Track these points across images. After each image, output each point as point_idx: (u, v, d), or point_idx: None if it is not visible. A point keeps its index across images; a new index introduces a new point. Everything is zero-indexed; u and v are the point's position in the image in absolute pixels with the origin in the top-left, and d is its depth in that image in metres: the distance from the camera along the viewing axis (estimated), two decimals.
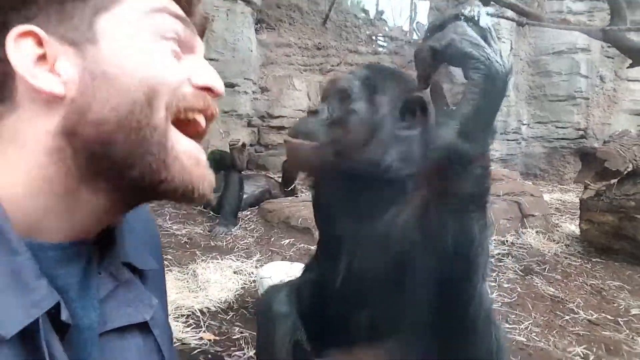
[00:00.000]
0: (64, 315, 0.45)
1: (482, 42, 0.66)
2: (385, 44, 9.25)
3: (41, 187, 0.47)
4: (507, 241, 3.67)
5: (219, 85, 0.55)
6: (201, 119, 0.54)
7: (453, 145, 0.64)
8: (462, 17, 0.66)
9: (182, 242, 3.19)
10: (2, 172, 0.46)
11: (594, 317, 2.45)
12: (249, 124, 7.19)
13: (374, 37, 9.25)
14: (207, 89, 0.54)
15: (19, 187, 0.46)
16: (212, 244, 3.22)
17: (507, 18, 5.04)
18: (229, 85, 6.59)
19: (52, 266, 0.47)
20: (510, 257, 3.33)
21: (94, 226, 0.53)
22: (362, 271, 0.96)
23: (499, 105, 0.67)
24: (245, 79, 6.80)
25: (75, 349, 0.48)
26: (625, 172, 3.40)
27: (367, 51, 8.73)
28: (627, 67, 4.80)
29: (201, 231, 3.51)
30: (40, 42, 0.46)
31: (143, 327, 0.57)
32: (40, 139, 0.46)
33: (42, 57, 0.46)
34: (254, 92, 7.19)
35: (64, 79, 0.46)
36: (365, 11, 9.78)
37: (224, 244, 3.24)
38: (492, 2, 5.37)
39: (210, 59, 6.37)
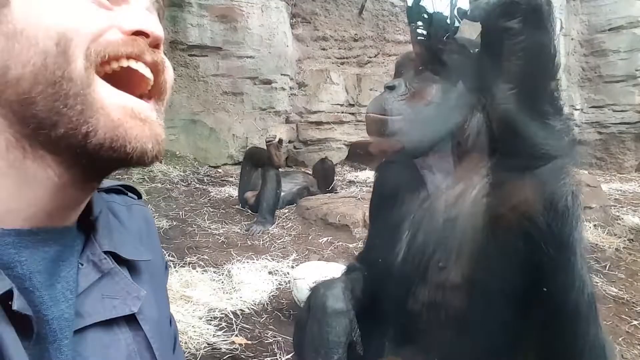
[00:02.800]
0: (17, 305, 0.41)
1: None
2: (424, 32, 8.93)
3: None
4: None
5: (151, 27, 0.50)
6: (143, 70, 0.50)
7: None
8: None
9: (219, 241, 3.18)
10: None
11: None
12: (287, 121, 7.16)
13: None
14: (140, 34, 0.49)
15: None
16: (249, 243, 3.19)
17: None
18: (266, 82, 6.58)
19: (9, 252, 0.44)
20: None
21: (59, 209, 0.50)
22: (429, 253, 0.86)
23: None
24: (282, 74, 6.77)
25: (43, 342, 0.45)
26: None
27: (405, 40, 8.45)
28: None
29: (239, 230, 3.50)
30: None
31: (132, 322, 0.54)
32: None
33: None
34: (291, 88, 7.15)
35: None
36: None
37: (261, 243, 3.20)
38: None
39: (247, 57, 6.38)
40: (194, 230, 3.35)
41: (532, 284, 0.62)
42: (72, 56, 0.44)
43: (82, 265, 0.52)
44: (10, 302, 0.40)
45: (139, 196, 0.74)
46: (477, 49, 0.72)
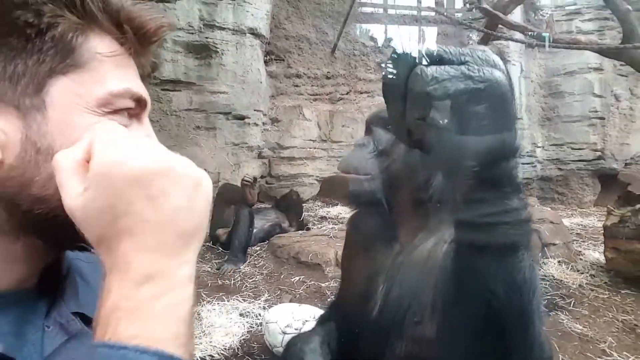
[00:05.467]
0: None
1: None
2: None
3: None
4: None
5: None
6: None
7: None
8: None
9: None
10: None
11: (630, 359, 2.26)
12: (260, 156, 7.18)
13: (382, 65, 9.28)
14: None
15: None
16: (220, 282, 3.13)
17: (517, 40, 4.99)
18: (239, 118, 6.63)
19: None
20: None
21: (27, 274, 0.50)
22: (404, 308, 0.88)
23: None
24: (255, 110, 6.83)
25: None
26: None
27: (376, 79, 8.75)
28: None
29: (209, 269, 3.43)
30: None
31: None
32: None
33: None
34: (264, 124, 7.21)
35: (1, 142, 0.43)
36: (374, 39, 9.86)
37: (232, 282, 3.15)
38: (499, 26, 5.36)
39: (221, 92, 6.43)
40: None
41: (496, 346, 0.64)
42: None
43: (48, 327, 0.51)
44: None
45: None
46: (445, 123, 0.76)
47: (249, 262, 3.63)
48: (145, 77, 0.55)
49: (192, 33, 6.17)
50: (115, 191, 0.39)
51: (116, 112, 0.48)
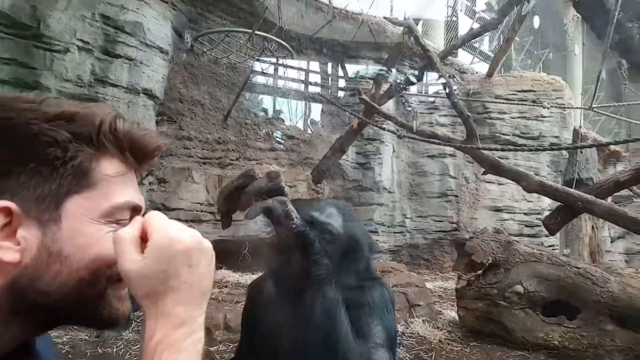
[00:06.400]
0: None
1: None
2: (282, 141, 9.89)
3: None
4: (397, 331, 3.94)
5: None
6: None
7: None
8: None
9: (63, 351, 2.87)
10: None
11: None
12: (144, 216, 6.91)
13: (271, 134, 9.85)
14: None
15: None
16: (100, 351, 2.96)
17: (389, 131, 5.86)
18: None
19: None
20: (401, 347, 3.57)
21: (11, 346, 0.57)
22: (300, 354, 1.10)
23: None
24: None
25: None
26: (487, 263, 3.99)
27: (265, 147, 9.22)
28: (482, 174, 5.81)
29: (87, 337, 3.20)
30: (9, 213, 0.53)
31: None
32: None
33: (6, 224, 0.53)
34: (150, 184, 7.04)
35: (22, 247, 0.54)
36: (265, 110, 10.47)
37: (114, 350, 2.99)
38: (375, 111, 6.25)
39: None
40: None
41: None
42: (99, 281, 0.58)
43: None
44: None
45: None
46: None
47: (133, 328, 3.48)
48: (140, 182, 0.70)
49: (82, 86, 5.98)
50: (167, 260, 0.55)
51: (117, 222, 0.60)
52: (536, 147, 4.60)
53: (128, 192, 0.63)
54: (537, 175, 5.71)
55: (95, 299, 0.58)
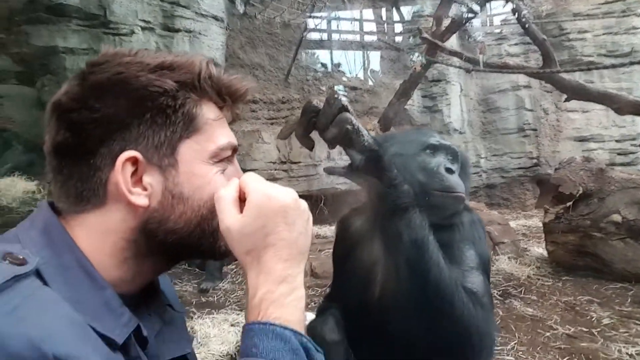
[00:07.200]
0: (145, 332, 0.58)
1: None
2: (345, 93, 9.77)
3: (119, 261, 0.60)
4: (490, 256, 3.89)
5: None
6: None
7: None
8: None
9: None
10: (93, 250, 0.59)
11: (571, 331, 2.66)
12: None
13: (333, 87, 9.77)
14: None
15: (105, 258, 0.60)
16: (204, 300, 3.26)
17: (455, 66, 5.54)
18: None
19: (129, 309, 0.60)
20: None
21: (144, 282, 0.66)
22: (394, 290, 1.12)
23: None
24: None
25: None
26: (577, 194, 3.75)
27: None
28: (564, 101, 5.34)
29: (190, 289, 3.54)
30: (135, 162, 0.58)
31: None
32: (122, 231, 0.60)
33: (134, 173, 0.59)
34: None
35: (149, 192, 0.59)
36: (324, 64, 10.35)
37: (215, 299, 3.29)
38: (438, 51, 5.92)
39: None
40: None
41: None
42: (216, 217, 0.62)
43: (149, 315, 0.66)
44: (138, 333, 0.57)
45: None
46: None
47: (227, 280, 3.78)
48: (231, 124, 0.74)
49: None
50: (265, 217, 0.57)
51: (221, 161, 0.65)
52: (630, 62, 4.09)
53: (228, 133, 0.67)
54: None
55: (214, 233, 0.63)
